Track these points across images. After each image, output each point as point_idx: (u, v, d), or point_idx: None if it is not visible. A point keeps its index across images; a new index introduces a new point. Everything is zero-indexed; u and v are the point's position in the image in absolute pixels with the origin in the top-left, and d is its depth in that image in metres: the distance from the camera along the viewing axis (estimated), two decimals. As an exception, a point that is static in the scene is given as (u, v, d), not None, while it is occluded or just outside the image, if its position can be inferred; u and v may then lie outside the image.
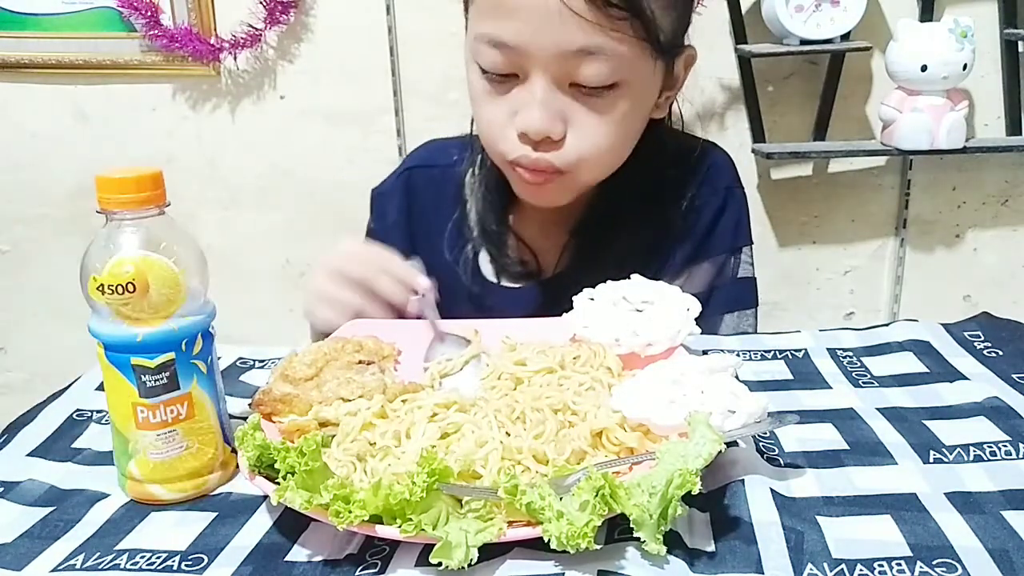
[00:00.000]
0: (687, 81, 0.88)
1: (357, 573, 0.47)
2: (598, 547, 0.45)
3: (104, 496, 0.57)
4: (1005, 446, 0.56)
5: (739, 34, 1.42)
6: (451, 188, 0.96)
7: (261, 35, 1.48)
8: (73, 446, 0.64)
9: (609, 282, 0.71)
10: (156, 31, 1.46)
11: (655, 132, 0.87)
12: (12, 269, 1.68)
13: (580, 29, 0.72)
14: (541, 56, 0.74)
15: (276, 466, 0.49)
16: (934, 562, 0.45)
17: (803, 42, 1.36)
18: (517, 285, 0.94)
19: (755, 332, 0.91)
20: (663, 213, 0.91)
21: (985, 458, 0.55)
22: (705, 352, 0.73)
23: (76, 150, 1.58)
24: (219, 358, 0.60)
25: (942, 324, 0.77)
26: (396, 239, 0.95)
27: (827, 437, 0.59)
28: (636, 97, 0.79)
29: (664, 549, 0.45)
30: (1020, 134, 1.46)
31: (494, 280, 0.95)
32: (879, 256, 1.59)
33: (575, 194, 0.86)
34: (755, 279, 0.96)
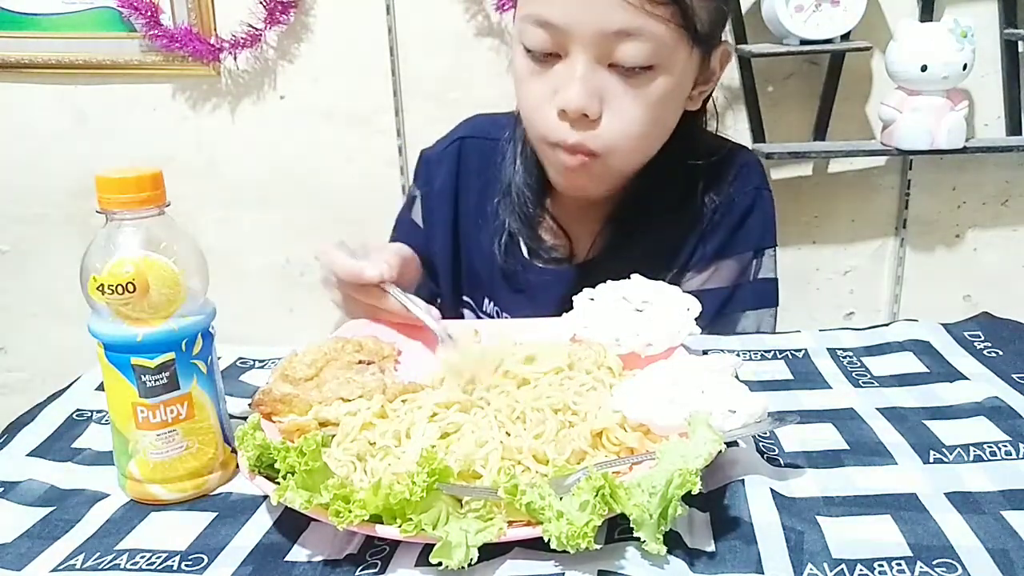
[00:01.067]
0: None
1: (357, 573, 0.47)
2: (598, 547, 0.45)
3: (104, 496, 0.57)
4: (1005, 446, 0.56)
5: (739, 34, 1.41)
6: (500, 163, 0.98)
7: (261, 35, 1.48)
8: (73, 446, 0.64)
9: (610, 282, 0.71)
10: (156, 31, 1.46)
11: (689, 127, 0.90)
12: (12, 269, 1.68)
13: (622, 10, 0.76)
14: (583, 35, 0.77)
15: (276, 466, 0.49)
16: (934, 562, 0.45)
17: (803, 42, 1.35)
18: (549, 267, 0.96)
19: (773, 332, 0.92)
20: (695, 208, 0.93)
21: (985, 458, 0.55)
22: (705, 352, 0.73)
23: (76, 150, 1.58)
24: (219, 358, 0.60)
25: (942, 324, 0.77)
26: (440, 205, 1.01)
27: (827, 437, 0.59)
28: (672, 82, 0.81)
29: (664, 549, 0.46)
30: (1020, 134, 1.46)
31: (528, 259, 0.97)
32: (879, 256, 1.59)
33: (608, 185, 0.89)
34: (777, 280, 0.97)
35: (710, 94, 0.92)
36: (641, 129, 0.82)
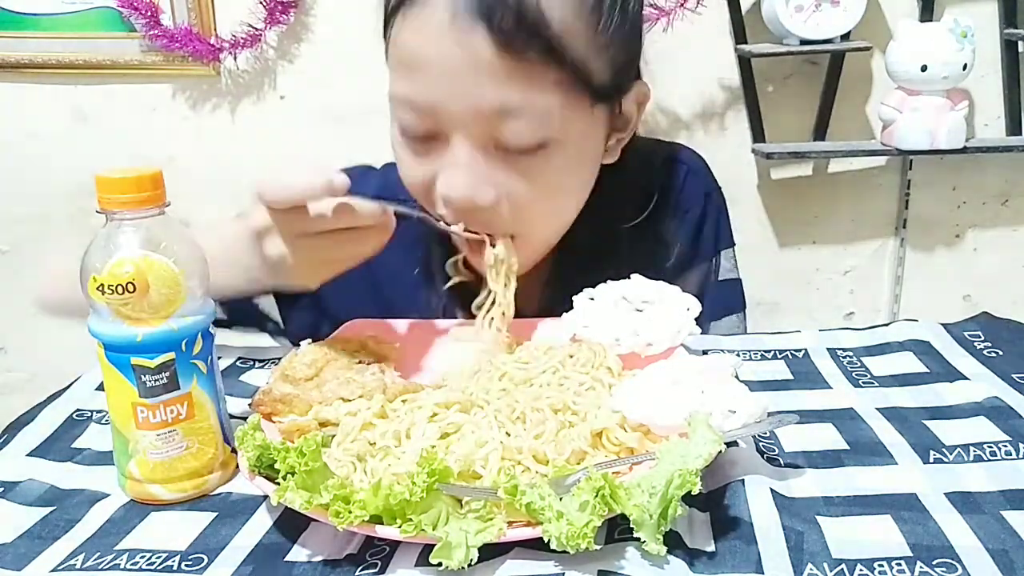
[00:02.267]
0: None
1: (357, 573, 0.47)
2: (598, 547, 0.45)
3: (104, 496, 0.57)
4: (1005, 446, 0.56)
5: (739, 34, 1.41)
6: (410, 227, 0.75)
7: (261, 35, 1.48)
8: (73, 446, 0.64)
9: (610, 282, 0.71)
10: (156, 31, 1.46)
11: (618, 166, 0.79)
12: (12, 269, 1.68)
13: (495, 85, 0.64)
14: (457, 117, 0.67)
15: (276, 466, 0.49)
16: (934, 562, 0.45)
17: (803, 42, 1.36)
18: None
19: (744, 333, 0.89)
20: (641, 239, 0.85)
21: (985, 458, 0.55)
22: (705, 352, 0.73)
23: (76, 150, 1.58)
24: (219, 358, 0.60)
25: (942, 324, 0.77)
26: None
27: (827, 437, 0.59)
28: (574, 152, 0.71)
29: (664, 549, 0.46)
30: (1020, 134, 1.46)
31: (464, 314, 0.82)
32: (879, 256, 1.59)
33: (535, 258, 0.78)
34: (740, 280, 0.93)
35: (628, 138, 0.79)
36: (549, 205, 0.72)
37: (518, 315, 0.74)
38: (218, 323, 0.79)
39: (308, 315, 0.81)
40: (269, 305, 0.82)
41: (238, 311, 0.80)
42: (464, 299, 0.79)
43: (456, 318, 0.81)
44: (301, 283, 0.68)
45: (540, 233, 0.76)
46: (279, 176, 0.63)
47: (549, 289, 0.84)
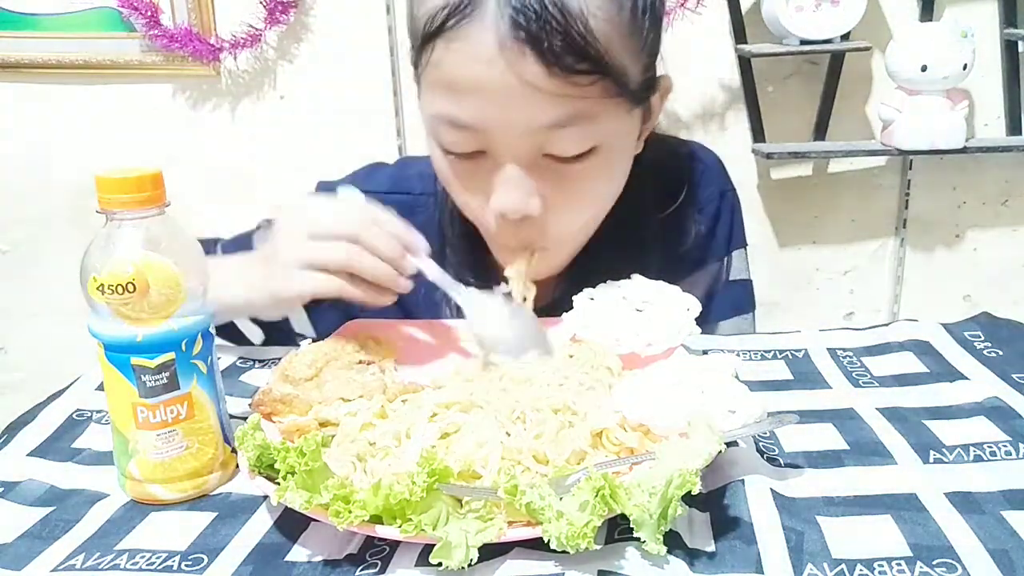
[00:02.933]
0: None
1: (357, 573, 0.47)
2: (598, 547, 0.45)
3: (104, 496, 0.57)
4: (1005, 446, 0.56)
5: (739, 34, 1.41)
6: (422, 221, 0.79)
7: (261, 35, 1.48)
8: (73, 446, 0.64)
9: (609, 281, 0.71)
10: (156, 31, 1.46)
11: (638, 159, 0.80)
12: (12, 269, 1.68)
13: (547, 104, 0.65)
14: (508, 137, 0.67)
15: (276, 466, 0.49)
16: (934, 562, 0.45)
17: (803, 42, 1.36)
18: None
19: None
20: (658, 231, 0.86)
21: (985, 458, 0.55)
22: (705, 352, 0.73)
23: (76, 150, 1.58)
24: (219, 358, 0.60)
25: (942, 324, 0.77)
26: None
27: (827, 437, 0.59)
28: (616, 154, 0.73)
29: (664, 549, 0.45)
30: (1020, 134, 1.46)
31: None
32: (879, 256, 1.59)
33: (566, 263, 0.80)
34: (751, 281, 0.93)
35: (652, 128, 0.81)
36: (590, 210, 0.75)
37: (536, 308, 0.75)
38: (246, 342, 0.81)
39: (332, 319, 0.82)
40: (303, 323, 0.83)
41: (274, 336, 0.81)
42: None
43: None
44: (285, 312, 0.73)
45: (576, 240, 0.78)
46: (379, 221, 0.68)
47: (565, 282, 0.84)
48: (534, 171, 0.69)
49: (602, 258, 0.81)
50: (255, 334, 0.82)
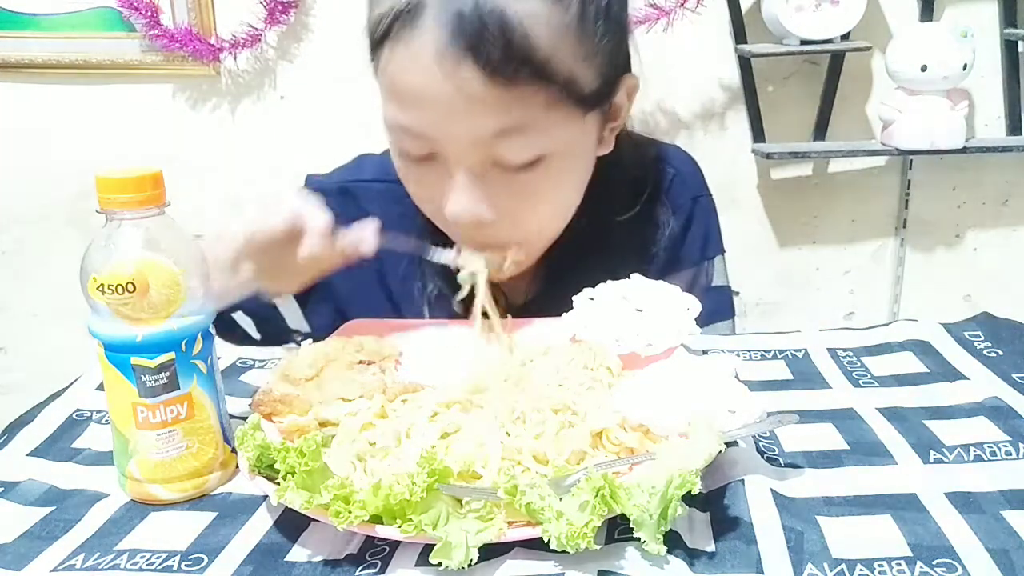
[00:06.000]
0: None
1: (357, 573, 0.47)
2: (598, 547, 0.45)
3: (104, 496, 0.57)
4: (1005, 446, 0.56)
5: (739, 34, 1.42)
6: (407, 208, 0.81)
7: (261, 35, 1.48)
8: (73, 446, 0.64)
9: (609, 282, 0.71)
10: (156, 31, 1.46)
11: (611, 157, 0.79)
12: (12, 269, 1.68)
13: (488, 113, 0.65)
14: (453, 145, 0.67)
15: (276, 466, 0.49)
16: (934, 562, 0.45)
17: (803, 42, 1.36)
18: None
19: None
20: (630, 236, 0.86)
21: (985, 458, 0.55)
22: (705, 352, 0.73)
23: (76, 150, 1.58)
24: (219, 358, 0.60)
25: (942, 324, 0.77)
26: None
27: (827, 437, 0.59)
28: (570, 159, 0.72)
29: (664, 549, 0.45)
30: (1020, 134, 1.46)
31: (459, 314, 0.84)
32: (879, 256, 1.59)
33: (534, 259, 0.79)
34: (729, 287, 0.92)
35: (621, 125, 0.80)
36: (548, 213, 0.75)
37: (511, 308, 0.76)
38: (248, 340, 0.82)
39: (326, 316, 0.82)
40: (297, 319, 0.84)
41: (269, 331, 0.82)
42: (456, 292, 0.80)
43: (446, 311, 0.82)
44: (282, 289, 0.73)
45: (542, 235, 0.77)
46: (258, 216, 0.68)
47: (536, 283, 0.85)
48: (485, 178, 0.69)
49: (572, 258, 0.81)
50: (249, 326, 0.83)
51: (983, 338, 0.74)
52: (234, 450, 0.58)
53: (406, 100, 0.67)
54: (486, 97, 0.64)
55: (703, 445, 0.48)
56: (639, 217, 0.86)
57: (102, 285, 0.52)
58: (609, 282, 0.71)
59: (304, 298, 0.85)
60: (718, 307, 0.91)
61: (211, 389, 0.57)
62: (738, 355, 0.73)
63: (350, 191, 0.80)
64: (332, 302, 0.84)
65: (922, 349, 0.73)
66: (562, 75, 0.65)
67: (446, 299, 0.83)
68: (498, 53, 0.62)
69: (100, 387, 0.68)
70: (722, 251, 0.92)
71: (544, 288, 0.85)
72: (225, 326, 0.80)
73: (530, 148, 0.67)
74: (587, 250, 0.81)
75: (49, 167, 1.60)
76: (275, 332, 0.85)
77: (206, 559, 0.49)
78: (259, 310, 0.83)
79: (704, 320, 0.87)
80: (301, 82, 1.53)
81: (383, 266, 0.82)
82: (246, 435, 0.52)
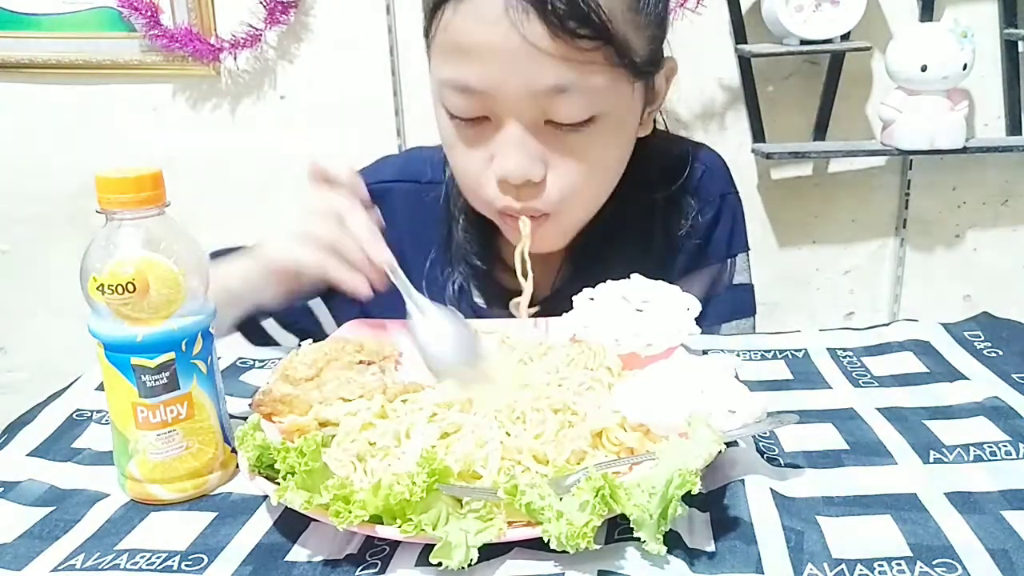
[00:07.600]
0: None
1: (357, 573, 0.47)
2: (598, 547, 0.45)
3: (104, 496, 0.57)
4: (1005, 446, 0.56)
5: (739, 34, 1.42)
6: (430, 207, 0.87)
7: (261, 35, 1.48)
8: (73, 446, 0.64)
9: (609, 282, 0.71)
10: (156, 31, 1.46)
11: (643, 146, 0.83)
12: (12, 269, 1.68)
13: (549, 66, 0.68)
14: (511, 99, 0.70)
15: (276, 466, 0.49)
16: (934, 562, 0.45)
17: (803, 42, 1.36)
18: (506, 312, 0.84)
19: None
20: (657, 226, 0.88)
21: (985, 458, 0.55)
22: (705, 352, 0.74)
23: (76, 150, 1.58)
24: (219, 358, 0.60)
25: (942, 324, 0.77)
26: None
27: (827, 437, 0.59)
28: (617, 126, 0.75)
29: (664, 549, 0.45)
30: (1020, 134, 1.46)
31: (485, 307, 0.89)
32: (879, 256, 1.59)
33: (569, 236, 0.82)
34: (752, 285, 0.94)
35: (658, 110, 0.84)
36: (592, 180, 0.76)
37: (537, 300, 0.78)
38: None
39: (352, 315, 0.83)
40: (327, 319, 0.85)
41: (300, 334, 0.82)
42: (481, 285, 0.83)
43: (468, 304, 0.84)
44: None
45: (578, 210, 0.79)
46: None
47: (565, 269, 0.86)
48: (536, 137, 0.72)
49: (598, 249, 0.83)
50: (275, 330, 0.85)
51: (983, 338, 0.74)
52: (234, 450, 0.58)
53: (468, 54, 0.69)
54: (550, 50, 0.67)
55: (703, 445, 0.48)
56: (667, 210, 0.88)
57: (102, 285, 0.52)
58: (609, 282, 0.71)
59: (329, 296, 0.86)
60: (740, 304, 0.92)
61: (211, 389, 0.57)
62: (738, 355, 0.73)
63: (374, 192, 0.81)
64: (357, 300, 0.85)
65: (922, 349, 0.73)
66: (619, 37, 0.69)
67: (468, 293, 0.85)
68: (564, 8, 0.66)
69: (100, 387, 0.68)
70: (747, 248, 0.94)
71: (570, 278, 0.86)
72: (255, 332, 0.82)
73: (583, 107, 0.70)
74: (614, 241, 0.84)
75: (49, 167, 1.60)
76: (307, 335, 0.86)
77: (206, 559, 0.49)
78: (292, 313, 0.85)
79: (726, 316, 0.89)
80: (301, 82, 1.53)
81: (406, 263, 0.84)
82: (246, 435, 0.52)
